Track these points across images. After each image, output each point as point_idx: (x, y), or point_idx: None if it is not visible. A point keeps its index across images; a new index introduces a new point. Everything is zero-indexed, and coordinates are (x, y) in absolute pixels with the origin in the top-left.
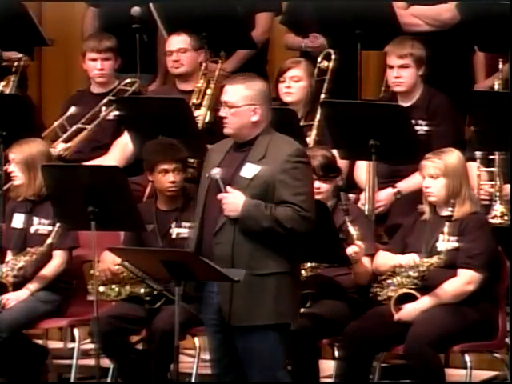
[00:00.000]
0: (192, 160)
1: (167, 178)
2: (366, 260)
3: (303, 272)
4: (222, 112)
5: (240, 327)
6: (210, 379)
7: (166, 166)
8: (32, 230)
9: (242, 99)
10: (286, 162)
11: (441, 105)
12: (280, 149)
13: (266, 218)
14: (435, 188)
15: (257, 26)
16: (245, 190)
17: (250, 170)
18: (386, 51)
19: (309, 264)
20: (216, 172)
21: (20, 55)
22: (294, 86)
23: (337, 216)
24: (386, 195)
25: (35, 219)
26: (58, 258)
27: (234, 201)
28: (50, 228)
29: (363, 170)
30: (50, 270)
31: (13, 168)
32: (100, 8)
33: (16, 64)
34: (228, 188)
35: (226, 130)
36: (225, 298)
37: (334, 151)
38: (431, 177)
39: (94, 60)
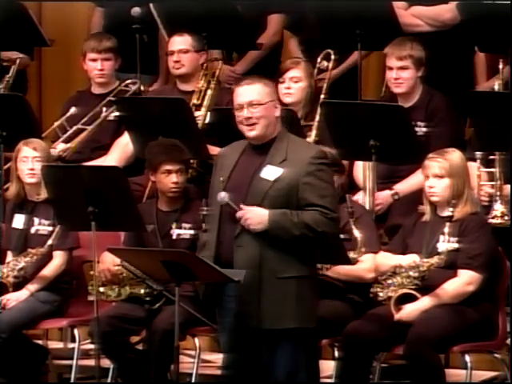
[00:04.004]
0: (192, 160)
1: (170, 178)
2: (369, 257)
3: None
4: (247, 113)
5: (268, 330)
6: (210, 379)
7: (169, 167)
8: (32, 230)
9: (265, 95)
10: (310, 165)
11: (439, 106)
12: (301, 151)
13: (296, 225)
14: (439, 188)
15: (268, 27)
16: (266, 192)
17: (271, 172)
18: (385, 52)
19: None
20: (223, 196)
21: (20, 55)
22: (293, 86)
23: (340, 216)
24: (383, 196)
25: (36, 220)
26: (59, 259)
27: (258, 213)
28: (51, 228)
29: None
30: (50, 270)
31: (33, 165)
32: (104, 8)
33: (12, 65)
34: (242, 206)
35: (254, 133)
36: (246, 302)
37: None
38: (436, 176)
39: (95, 60)
